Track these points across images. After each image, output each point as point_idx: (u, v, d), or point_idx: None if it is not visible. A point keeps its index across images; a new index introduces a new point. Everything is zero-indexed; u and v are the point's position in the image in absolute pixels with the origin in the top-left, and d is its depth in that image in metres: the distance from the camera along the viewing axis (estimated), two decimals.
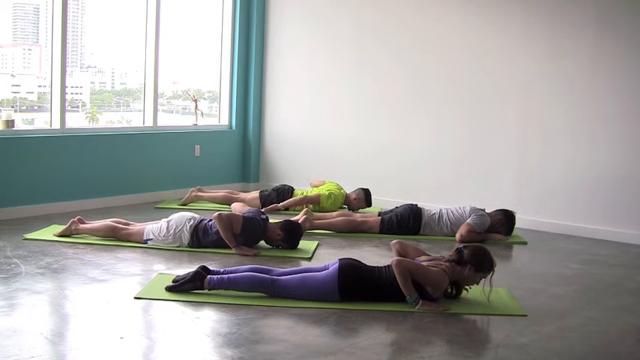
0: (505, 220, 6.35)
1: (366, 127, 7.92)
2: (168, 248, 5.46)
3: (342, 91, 8.11)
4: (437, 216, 6.37)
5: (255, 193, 7.38)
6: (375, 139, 7.84)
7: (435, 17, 7.45)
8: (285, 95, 8.53)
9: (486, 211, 6.35)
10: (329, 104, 8.21)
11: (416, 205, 6.49)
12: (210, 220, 5.55)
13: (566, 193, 6.74)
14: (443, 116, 7.42)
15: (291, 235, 5.59)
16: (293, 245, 5.61)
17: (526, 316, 4.17)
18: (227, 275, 4.33)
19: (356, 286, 4.26)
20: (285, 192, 7.32)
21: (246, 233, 5.47)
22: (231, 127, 8.63)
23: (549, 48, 6.78)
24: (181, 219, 5.54)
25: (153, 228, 5.55)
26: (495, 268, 4.36)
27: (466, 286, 4.44)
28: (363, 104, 7.95)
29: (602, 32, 6.51)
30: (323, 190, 7.21)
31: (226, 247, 5.42)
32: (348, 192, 7.31)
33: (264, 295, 4.30)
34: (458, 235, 6.17)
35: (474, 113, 7.24)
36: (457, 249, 4.41)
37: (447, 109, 7.40)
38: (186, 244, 5.48)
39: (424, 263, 4.35)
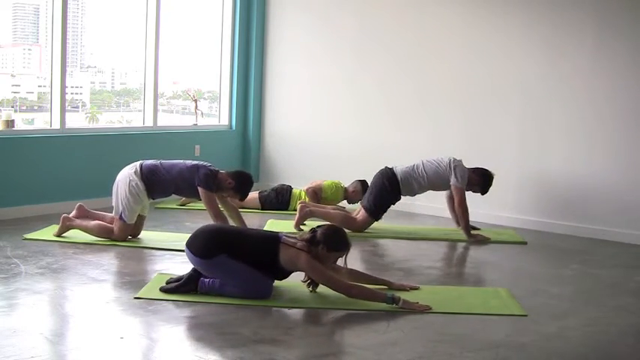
0: (482, 179, 6.35)
1: (366, 127, 7.91)
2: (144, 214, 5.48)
3: (342, 91, 8.10)
4: (411, 169, 6.31)
5: (255, 194, 7.36)
6: (375, 139, 7.83)
7: (435, 18, 7.44)
8: (285, 95, 8.53)
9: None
10: (329, 104, 8.20)
11: (385, 167, 6.43)
12: (156, 159, 5.61)
13: (566, 193, 6.74)
14: (443, 116, 7.42)
15: (242, 184, 5.55)
16: (243, 195, 5.56)
17: (526, 316, 4.17)
18: (218, 280, 4.33)
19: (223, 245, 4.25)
20: (284, 192, 7.33)
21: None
22: (231, 127, 8.63)
23: (549, 49, 6.77)
24: (124, 175, 5.55)
25: (117, 203, 5.56)
26: (351, 248, 4.30)
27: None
28: (363, 104, 7.94)
29: (602, 33, 6.50)
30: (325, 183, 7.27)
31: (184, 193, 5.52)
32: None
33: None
34: (457, 205, 6.17)
35: (474, 113, 7.23)
36: (312, 229, 4.38)
37: (447, 110, 7.39)
38: (145, 192, 5.48)
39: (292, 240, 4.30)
